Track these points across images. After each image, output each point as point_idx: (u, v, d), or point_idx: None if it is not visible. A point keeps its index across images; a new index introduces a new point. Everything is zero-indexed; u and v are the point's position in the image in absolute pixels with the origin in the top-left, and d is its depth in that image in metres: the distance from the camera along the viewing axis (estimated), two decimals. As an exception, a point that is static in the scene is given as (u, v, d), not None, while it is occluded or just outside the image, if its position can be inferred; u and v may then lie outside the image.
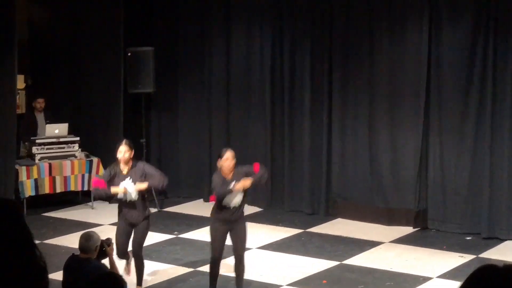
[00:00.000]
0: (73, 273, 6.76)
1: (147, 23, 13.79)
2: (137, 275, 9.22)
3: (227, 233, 8.87)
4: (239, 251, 8.91)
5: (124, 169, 9.05)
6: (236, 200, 8.76)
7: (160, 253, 10.66)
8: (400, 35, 11.74)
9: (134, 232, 9.13)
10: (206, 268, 10.01)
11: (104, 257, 7.06)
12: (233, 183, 8.66)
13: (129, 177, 9.00)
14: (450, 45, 11.36)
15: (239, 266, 8.99)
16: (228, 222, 8.79)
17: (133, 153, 9.11)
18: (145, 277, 9.72)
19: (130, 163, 9.09)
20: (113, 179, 9.04)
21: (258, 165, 8.98)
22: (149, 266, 10.09)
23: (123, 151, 9.03)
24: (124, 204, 9.09)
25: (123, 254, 9.17)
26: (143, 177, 9.06)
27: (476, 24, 11.16)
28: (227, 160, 8.70)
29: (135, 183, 8.98)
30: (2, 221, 3.40)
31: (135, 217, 9.06)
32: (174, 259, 10.45)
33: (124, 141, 9.20)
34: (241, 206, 8.85)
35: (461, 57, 11.29)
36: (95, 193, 9.46)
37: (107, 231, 11.44)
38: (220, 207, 8.77)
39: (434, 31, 11.41)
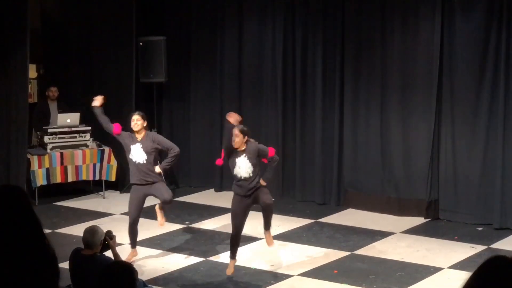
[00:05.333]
0: (80, 271, 6.75)
1: (159, 12, 13.79)
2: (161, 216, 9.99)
3: (248, 208, 9.25)
4: (267, 202, 9.25)
5: (138, 137, 9.63)
6: (244, 170, 9.06)
7: (171, 242, 10.68)
8: (413, 25, 11.69)
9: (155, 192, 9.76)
10: (217, 258, 10.06)
11: (107, 249, 7.07)
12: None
13: (140, 144, 9.60)
14: (463, 35, 11.30)
15: (270, 214, 9.40)
16: (246, 198, 9.14)
17: (145, 123, 9.66)
18: (156, 266, 9.76)
19: (143, 133, 9.64)
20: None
21: (273, 150, 9.39)
22: (160, 255, 10.13)
23: (135, 119, 9.60)
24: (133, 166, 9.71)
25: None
26: (155, 144, 9.66)
27: (489, 13, 11.09)
28: (232, 136, 9.10)
29: (145, 150, 9.58)
30: (10, 209, 3.38)
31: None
32: (185, 249, 10.46)
33: (137, 112, 9.83)
34: (253, 178, 9.11)
35: (474, 47, 11.23)
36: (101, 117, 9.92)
37: (118, 220, 11.49)
38: (236, 180, 9.16)
39: (446, 21, 11.35)
